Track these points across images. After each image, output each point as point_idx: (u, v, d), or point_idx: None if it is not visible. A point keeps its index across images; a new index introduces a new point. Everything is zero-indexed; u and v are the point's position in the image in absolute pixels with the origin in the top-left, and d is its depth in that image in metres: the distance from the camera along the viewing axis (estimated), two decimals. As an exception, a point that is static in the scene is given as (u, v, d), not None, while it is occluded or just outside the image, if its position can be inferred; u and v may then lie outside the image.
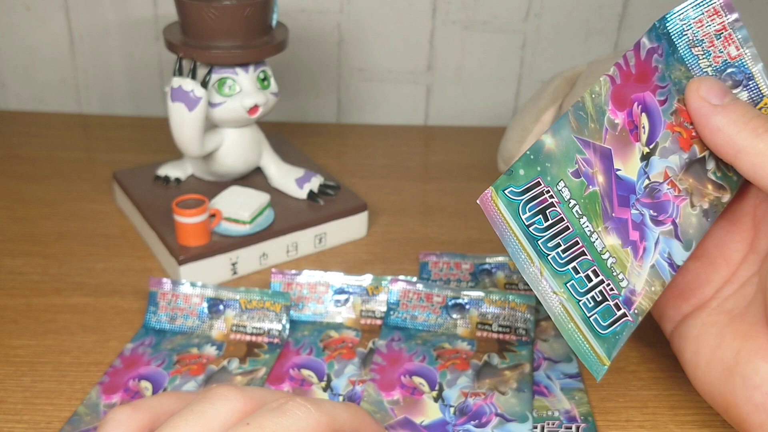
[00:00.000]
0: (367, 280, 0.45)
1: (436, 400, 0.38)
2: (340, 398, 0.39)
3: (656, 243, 0.33)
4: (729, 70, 0.34)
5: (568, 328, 0.30)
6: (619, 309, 0.32)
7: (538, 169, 0.30)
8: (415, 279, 0.45)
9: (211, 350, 0.42)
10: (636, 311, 0.32)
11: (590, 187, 0.31)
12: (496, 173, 0.58)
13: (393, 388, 0.39)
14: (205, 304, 0.43)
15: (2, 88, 0.72)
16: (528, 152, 0.31)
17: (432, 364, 0.40)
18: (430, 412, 0.37)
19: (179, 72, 0.48)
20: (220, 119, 0.50)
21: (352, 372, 0.40)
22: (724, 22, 0.33)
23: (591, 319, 0.31)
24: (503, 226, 0.30)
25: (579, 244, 0.31)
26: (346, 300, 0.45)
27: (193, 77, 0.48)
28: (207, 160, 0.53)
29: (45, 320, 0.44)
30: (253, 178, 0.55)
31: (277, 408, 0.26)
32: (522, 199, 0.30)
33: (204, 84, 0.48)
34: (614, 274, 0.32)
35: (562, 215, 0.31)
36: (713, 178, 0.34)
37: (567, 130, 0.31)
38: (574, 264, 0.31)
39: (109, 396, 0.38)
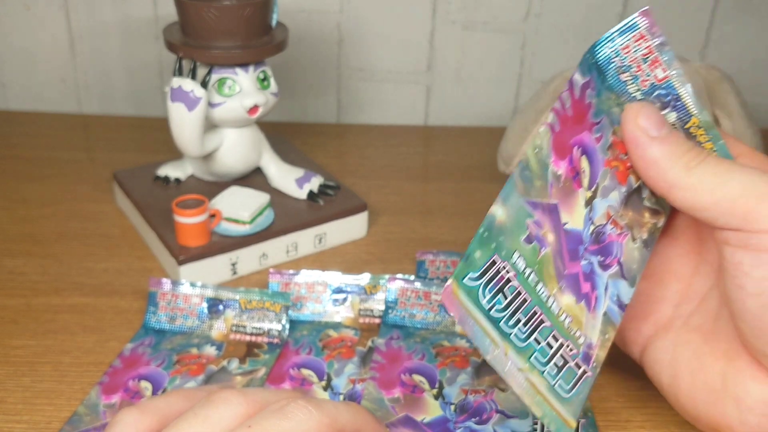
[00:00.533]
0: (365, 279, 0.45)
1: (436, 397, 0.38)
2: (341, 397, 0.39)
3: (606, 288, 0.33)
4: (657, 92, 0.33)
5: (535, 400, 0.30)
6: (579, 368, 0.32)
7: (493, 246, 0.30)
8: (412, 277, 0.45)
9: (210, 350, 0.42)
10: (594, 364, 0.32)
11: (543, 249, 0.31)
12: (496, 173, 0.58)
13: (393, 386, 0.39)
14: (204, 305, 0.43)
15: (2, 88, 0.72)
16: (481, 230, 0.30)
17: (431, 362, 0.40)
18: (431, 409, 0.37)
19: (179, 72, 0.48)
20: (220, 119, 0.50)
21: (352, 371, 0.40)
22: (650, 45, 0.33)
23: (555, 386, 0.31)
24: (465, 315, 0.30)
25: (538, 313, 0.31)
26: (345, 299, 0.45)
27: (193, 77, 0.48)
28: (207, 160, 0.53)
29: (45, 320, 0.44)
30: (253, 178, 0.55)
31: (278, 410, 0.26)
32: (481, 283, 0.30)
33: (204, 84, 0.48)
34: (572, 333, 0.32)
35: (520, 288, 0.31)
36: (648, 205, 0.34)
37: (514, 195, 0.31)
38: (535, 335, 0.31)
39: (108, 396, 0.38)
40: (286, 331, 0.43)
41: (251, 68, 0.50)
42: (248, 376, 0.40)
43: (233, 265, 0.48)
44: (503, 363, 0.30)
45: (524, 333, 0.30)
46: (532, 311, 0.31)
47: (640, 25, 0.32)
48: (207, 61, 0.49)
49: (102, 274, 0.48)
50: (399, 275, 0.45)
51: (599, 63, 0.33)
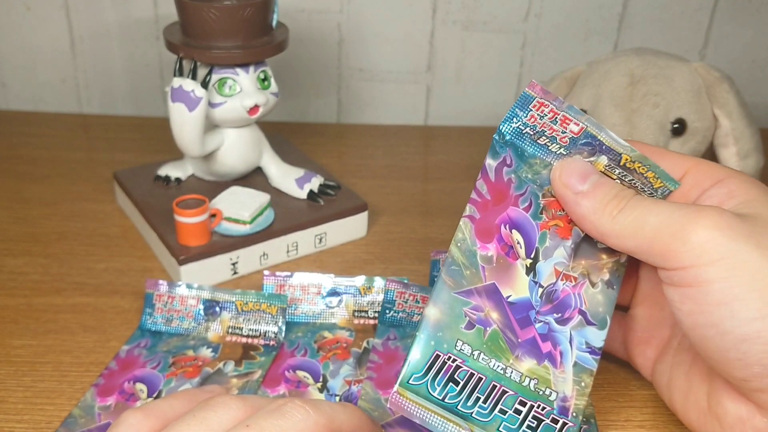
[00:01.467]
0: (359, 280, 0.45)
1: None
2: (337, 398, 0.39)
3: (571, 341, 0.34)
4: (579, 144, 0.35)
5: None
6: (557, 422, 0.33)
7: (432, 343, 0.33)
8: (407, 280, 0.45)
9: (206, 352, 0.42)
10: (574, 413, 0.33)
11: (487, 329, 0.33)
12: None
13: (390, 386, 0.39)
14: (201, 306, 0.43)
15: (3, 88, 0.72)
16: (418, 334, 0.33)
17: None
18: None
19: (180, 72, 0.48)
20: (220, 119, 0.50)
21: (348, 372, 0.40)
22: (552, 108, 0.34)
23: None
24: (421, 411, 0.32)
25: (497, 386, 0.33)
26: (339, 301, 0.45)
27: (194, 77, 0.48)
28: (207, 160, 0.53)
29: (46, 320, 0.44)
30: (254, 178, 0.55)
31: (275, 409, 0.27)
32: (428, 379, 0.32)
33: (204, 84, 0.48)
34: (540, 393, 0.33)
35: (471, 371, 0.33)
36: (604, 246, 0.35)
37: (445, 291, 0.33)
38: (499, 407, 0.33)
39: (104, 398, 0.38)
40: (283, 333, 0.43)
41: (251, 68, 0.50)
42: (244, 378, 0.40)
43: (234, 264, 0.48)
44: None
45: (486, 408, 0.32)
46: (491, 386, 0.33)
47: (534, 95, 0.35)
48: (207, 61, 0.49)
49: (102, 273, 0.48)
50: (393, 277, 0.45)
51: (511, 140, 0.35)
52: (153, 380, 0.39)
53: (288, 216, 0.50)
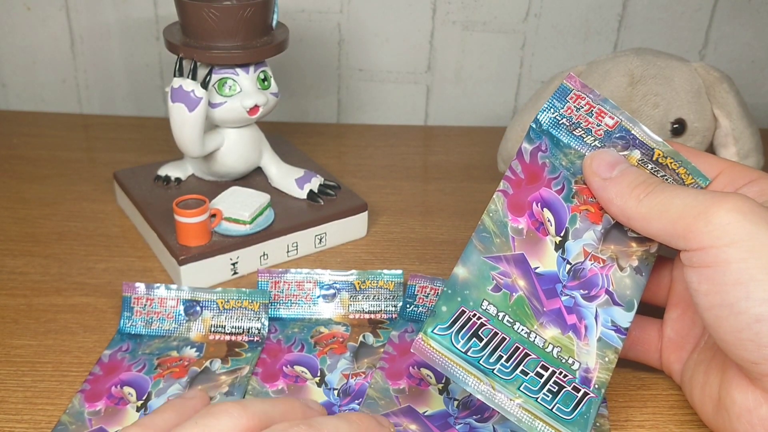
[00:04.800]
0: (353, 275, 0.45)
1: (441, 392, 0.39)
2: (335, 392, 0.39)
3: (596, 317, 0.35)
4: (614, 137, 0.36)
5: (537, 427, 0.32)
6: (578, 390, 0.33)
7: (459, 299, 0.34)
8: (431, 277, 0.45)
9: (191, 352, 0.42)
10: (597, 385, 0.34)
11: (513, 294, 0.35)
12: (496, 173, 0.58)
13: (400, 378, 0.39)
14: (181, 307, 0.43)
15: (3, 88, 0.72)
16: (445, 288, 0.34)
17: None
18: (434, 403, 0.38)
19: (180, 72, 0.48)
20: (220, 119, 0.50)
21: (345, 366, 0.41)
22: (588, 101, 0.36)
23: (554, 410, 0.33)
24: (444, 361, 0.33)
25: (520, 348, 0.34)
26: (334, 296, 0.45)
27: (194, 78, 0.48)
28: (207, 160, 0.53)
29: (46, 320, 0.44)
30: (254, 178, 0.55)
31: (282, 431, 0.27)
32: (452, 331, 0.33)
33: (204, 84, 0.48)
34: (563, 361, 0.34)
35: (495, 330, 0.34)
36: (634, 235, 0.36)
37: (475, 254, 0.35)
38: (521, 368, 0.33)
39: (92, 404, 0.38)
40: (266, 329, 0.43)
41: (251, 68, 0.50)
42: (232, 375, 0.40)
43: (234, 264, 0.48)
44: (492, 395, 0.33)
45: (508, 367, 0.33)
46: (513, 347, 0.34)
47: (572, 87, 0.37)
48: (207, 61, 0.49)
49: (103, 273, 0.48)
50: (420, 274, 0.46)
51: (548, 128, 0.37)
52: (141, 383, 0.39)
53: (288, 216, 0.50)
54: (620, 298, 0.35)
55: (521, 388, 0.33)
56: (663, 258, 0.39)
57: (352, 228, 0.53)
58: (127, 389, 0.39)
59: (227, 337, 0.43)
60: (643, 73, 0.48)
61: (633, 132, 0.36)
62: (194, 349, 0.42)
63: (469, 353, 0.33)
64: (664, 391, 0.40)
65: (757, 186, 0.35)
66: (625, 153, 0.36)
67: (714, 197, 0.31)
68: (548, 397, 0.33)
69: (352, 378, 0.40)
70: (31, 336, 0.43)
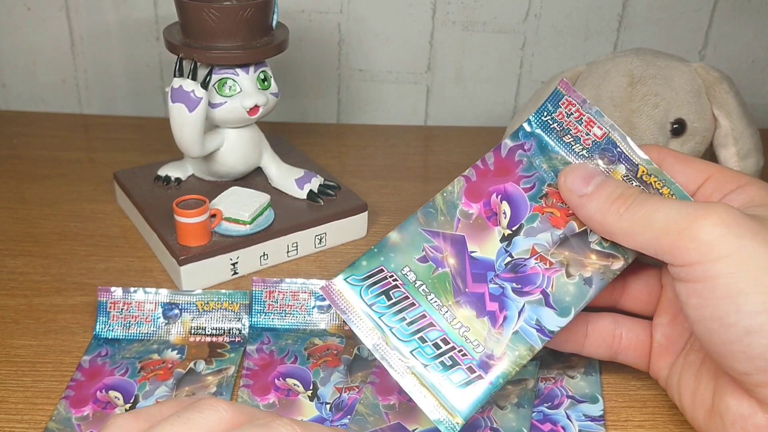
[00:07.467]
0: None
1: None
2: (327, 406, 0.38)
3: (521, 311, 0.35)
4: (601, 149, 0.36)
5: (418, 391, 0.33)
6: (473, 372, 0.34)
7: (381, 259, 0.36)
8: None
9: (172, 354, 0.42)
10: (498, 375, 0.34)
11: (439, 269, 0.36)
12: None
13: (390, 393, 0.39)
14: (159, 310, 0.43)
15: (3, 88, 0.72)
16: (373, 248, 0.36)
17: None
18: (424, 421, 0.37)
19: (180, 72, 0.48)
20: (220, 120, 0.50)
21: (339, 379, 0.40)
22: (578, 108, 0.36)
23: (441, 380, 0.33)
24: (345, 305, 0.35)
25: (426, 317, 0.35)
26: (329, 306, 0.44)
27: (194, 78, 0.48)
28: (207, 161, 0.53)
29: (46, 320, 0.44)
30: (254, 178, 0.55)
31: (264, 425, 0.27)
32: (364, 284, 0.35)
33: (204, 84, 0.48)
34: (468, 341, 0.34)
35: (407, 294, 0.35)
36: (599, 248, 0.36)
37: (414, 225, 0.37)
38: (421, 335, 0.34)
39: (79, 409, 0.38)
40: (246, 329, 0.43)
41: (252, 69, 0.50)
42: (219, 375, 0.40)
43: (234, 265, 0.48)
44: (384, 350, 0.34)
45: (408, 330, 0.34)
46: (420, 314, 0.35)
47: (564, 93, 0.37)
48: (207, 61, 0.49)
49: (103, 274, 0.48)
50: None
51: (539, 131, 0.37)
52: (126, 387, 0.39)
53: (288, 216, 0.50)
54: (556, 302, 0.35)
55: (414, 352, 0.34)
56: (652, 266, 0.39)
57: (352, 228, 0.53)
58: (113, 393, 0.39)
59: (208, 339, 0.43)
60: (643, 74, 0.48)
61: (620, 146, 0.35)
62: (175, 352, 0.42)
63: (373, 307, 0.35)
64: (664, 391, 0.40)
65: (745, 193, 0.34)
66: (611, 167, 0.36)
67: (697, 210, 0.31)
68: (438, 368, 0.34)
69: (345, 392, 0.39)
70: (31, 336, 0.43)
